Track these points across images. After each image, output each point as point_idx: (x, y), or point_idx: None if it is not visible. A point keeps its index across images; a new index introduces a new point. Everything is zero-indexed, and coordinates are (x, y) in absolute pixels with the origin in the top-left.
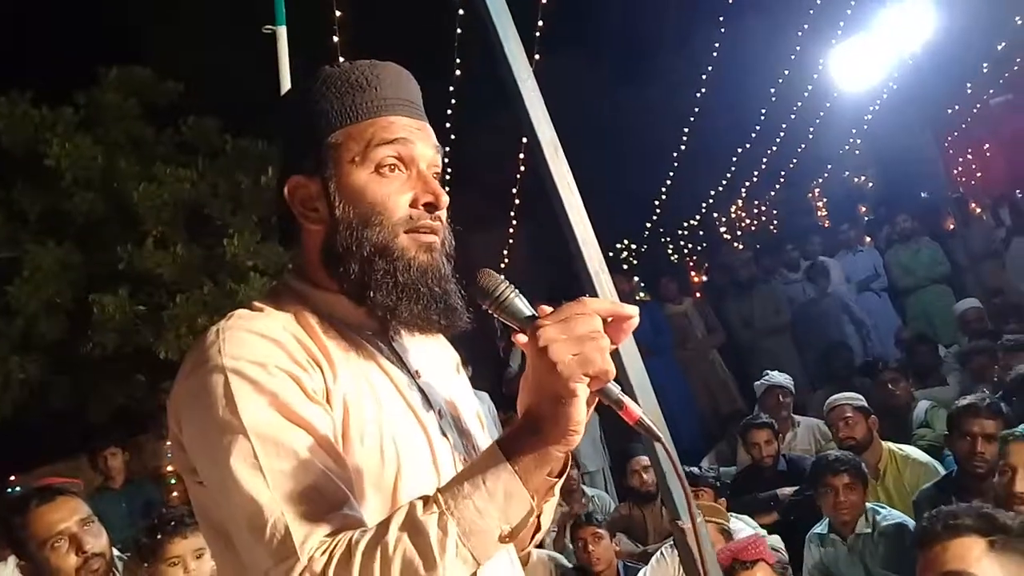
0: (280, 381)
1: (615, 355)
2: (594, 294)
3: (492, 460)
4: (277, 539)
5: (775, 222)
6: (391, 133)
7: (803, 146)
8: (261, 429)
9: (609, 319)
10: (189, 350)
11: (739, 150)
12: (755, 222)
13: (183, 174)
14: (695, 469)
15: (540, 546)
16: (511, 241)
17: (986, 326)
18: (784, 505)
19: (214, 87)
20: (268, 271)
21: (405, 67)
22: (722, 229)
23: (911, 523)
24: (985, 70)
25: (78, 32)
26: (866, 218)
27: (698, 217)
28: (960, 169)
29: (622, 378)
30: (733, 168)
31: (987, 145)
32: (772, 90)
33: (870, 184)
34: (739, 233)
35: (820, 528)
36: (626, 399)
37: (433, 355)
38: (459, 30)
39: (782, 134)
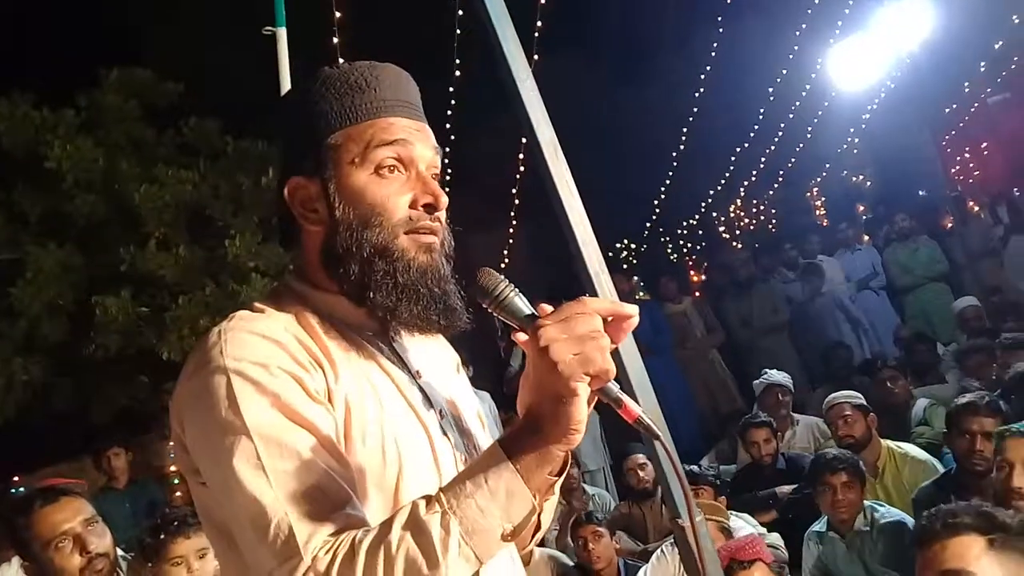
0: (282, 382)
1: (615, 354)
2: (594, 294)
3: (494, 459)
4: (281, 539)
5: (774, 221)
6: (390, 134)
7: (801, 145)
8: (264, 430)
9: (609, 318)
10: (191, 351)
11: (738, 150)
12: (754, 221)
13: (184, 175)
14: (695, 468)
15: (542, 544)
16: (511, 241)
17: (984, 324)
18: (783, 503)
19: (215, 88)
20: (269, 272)
21: (405, 68)
22: (721, 228)
23: (909, 520)
24: (983, 69)
25: (79, 34)
26: (864, 217)
27: (697, 217)
28: (958, 168)
29: (622, 377)
30: (732, 168)
31: (985, 144)
32: (770, 90)
33: (868, 183)
34: (738, 232)
35: (819, 526)
36: (625, 397)
37: (433, 355)
38: (458, 31)
39: (780, 134)
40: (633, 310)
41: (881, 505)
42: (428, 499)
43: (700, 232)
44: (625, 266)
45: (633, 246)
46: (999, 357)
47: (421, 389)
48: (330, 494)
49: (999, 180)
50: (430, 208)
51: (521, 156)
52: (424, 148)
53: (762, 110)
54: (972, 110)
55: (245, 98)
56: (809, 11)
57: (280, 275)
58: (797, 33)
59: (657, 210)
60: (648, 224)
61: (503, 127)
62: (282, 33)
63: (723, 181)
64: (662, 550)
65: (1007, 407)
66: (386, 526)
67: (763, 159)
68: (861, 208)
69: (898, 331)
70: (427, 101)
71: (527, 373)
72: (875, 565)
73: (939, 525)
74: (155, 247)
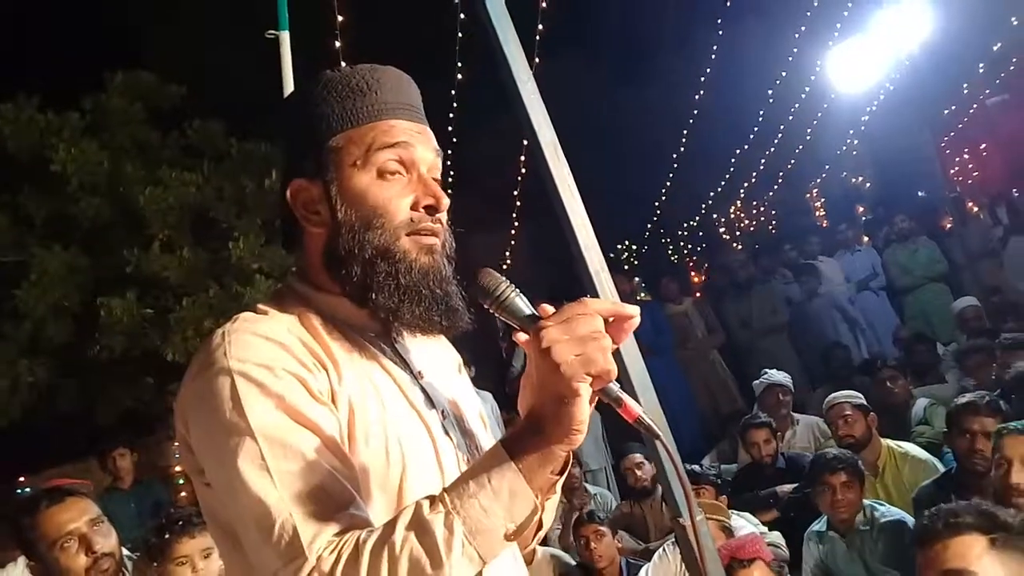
0: (286, 383)
1: (616, 355)
2: (595, 295)
3: (497, 459)
4: (285, 540)
5: (774, 222)
6: (392, 137)
7: (801, 147)
8: (268, 431)
9: (610, 319)
10: (195, 353)
11: (738, 151)
12: (754, 222)
13: (188, 178)
14: (696, 467)
15: (545, 543)
16: (513, 243)
17: (984, 324)
18: (784, 503)
19: (218, 90)
20: (273, 274)
21: (406, 70)
22: (721, 229)
23: (909, 519)
24: (981, 70)
25: (82, 37)
26: (864, 218)
27: (698, 218)
28: (957, 169)
29: (624, 377)
30: (732, 169)
31: (984, 145)
32: (770, 91)
33: (868, 184)
34: (738, 233)
35: (819, 526)
36: (625, 397)
37: (435, 356)
38: (460, 34)
39: (780, 135)
40: (634, 311)
41: (881, 504)
42: (432, 499)
43: (700, 233)
44: (626, 267)
45: (634, 247)
46: (999, 357)
47: (423, 390)
48: (334, 495)
49: (998, 181)
50: (431, 210)
51: (522, 157)
52: (425, 150)
53: (762, 111)
54: (971, 111)
55: (248, 100)
56: (808, 13)
57: (284, 276)
58: (796, 35)
59: (658, 211)
60: (649, 225)
61: (504, 129)
62: (285, 37)
63: (723, 182)
64: (664, 549)
65: (1007, 407)
66: (390, 526)
67: (763, 160)
68: (861, 209)
69: (898, 331)
70: (429, 103)
71: (528, 373)
72: (875, 564)
73: (941, 525)
74: (159, 249)
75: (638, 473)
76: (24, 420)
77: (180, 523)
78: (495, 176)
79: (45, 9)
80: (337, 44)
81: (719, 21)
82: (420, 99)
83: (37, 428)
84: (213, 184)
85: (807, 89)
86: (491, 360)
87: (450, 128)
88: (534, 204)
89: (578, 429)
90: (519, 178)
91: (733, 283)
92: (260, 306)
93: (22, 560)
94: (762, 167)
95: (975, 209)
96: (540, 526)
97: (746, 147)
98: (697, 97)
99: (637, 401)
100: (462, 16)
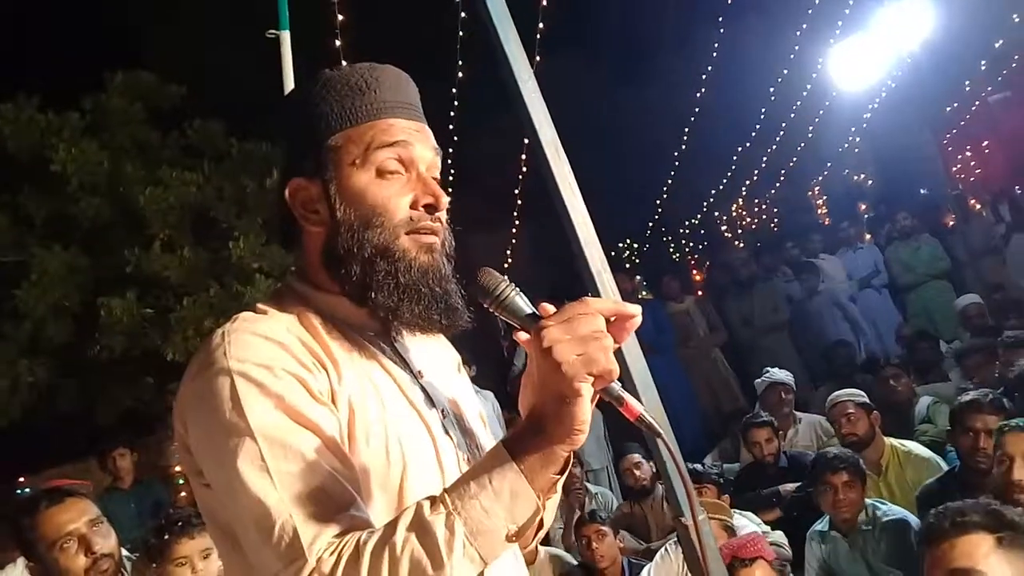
0: (286, 383)
1: (618, 354)
2: (596, 294)
3: (498, 460)
4: (285, 541)
5: (775, 220)
6: (391, 136)
7: (803, 145)
8: (268, 431)
9: (612, 318)
10: (195, 353)
11: (739, 149)
12: (755, 220)
13: (189, 178)
14: (698, 466)
15: (547, 543)
16: (514, 241)
17: (987, 322)
18: (786, 501)
19: (218, 90)
20: (273, 273)
21: (407, 70)
22: (723, 227)
23: (912, 518)
24: (983, 68)
25: (82, 36)
26: (866, 216)
27: (699, 216)
28: (959, 166)
29: (625, 376)
30: (733, 167)
31: (986, 142)
32: (771, 89)
33: (870, 182)
34: (740, 231)
35: (821, 525)
36: (627, 395)
37: (434, 355)
38: (460, 32)
39: (782, 133)
40: (636, 310)
41: (883, 503)
42: (432, 500)
43: (702, 231)
44: (627, 265)
45: (635, 245)
46: (1002, 355)
47: (423, 389)
48: (334, 495)
49: (1000, 178)
50: (431, 208)
51: (523, 156)
52: (424, 149)
53: (763, 110)
54: (973, 109)
55: (248, 100)
56: (810, 11)
57: (284, 276)
58: (798, 33)
59: (659, 209)
60: (650, 223)
61: (505, 127)
62: (285, 36)
63: (725, 180)
64: (666, 548)
65: (1010, 404)
66: (391, 527)
67: (764, 158)
68: (863, 207)
69: (900, 329)
70: (429, 102)
71: (529, 373)
72: (878, 564)
73: (947, 523)
74: (160, 249)
75: (637, 473)
76: (24, 420)
77: (179, 524)
78: (496, 175)
79: (45, 9)
80: (337, 44)
81: (720, 19)
82: (419, 97)
83: (37, 428)
84: (213, 184)
85: (809, 87)
86: (492, 359)
87: (451, 127)
88: (535, 203)
89: (580, 429)
90: (520, 177)
91: (735, 281)
92: (260, 306)
93: (21, 561)
94: (764, 165)
95: (977, 206)
96: (541, 526)
97: (748, 145)
98: (698, 95)
99: (639, 400)
100: (463, 15)
